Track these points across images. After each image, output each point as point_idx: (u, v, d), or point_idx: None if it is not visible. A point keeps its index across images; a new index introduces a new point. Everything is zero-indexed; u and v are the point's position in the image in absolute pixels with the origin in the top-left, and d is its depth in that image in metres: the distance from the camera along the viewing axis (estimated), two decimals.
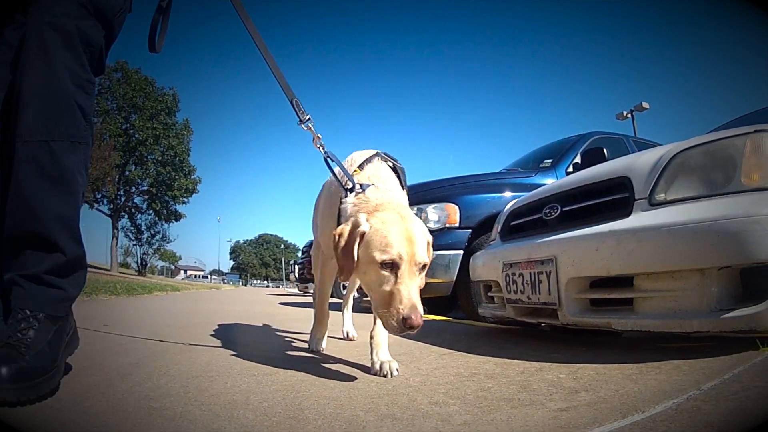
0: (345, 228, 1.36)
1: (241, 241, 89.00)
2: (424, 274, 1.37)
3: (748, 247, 1.39)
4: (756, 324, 1.40)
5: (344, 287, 2.61)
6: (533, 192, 2.44)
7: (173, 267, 75.53)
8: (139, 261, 28.52)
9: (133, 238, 27.79)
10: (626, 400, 1.08)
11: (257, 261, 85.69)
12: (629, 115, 18.54)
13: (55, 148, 1.14)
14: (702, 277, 1.47)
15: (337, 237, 1.35)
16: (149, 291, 7.54)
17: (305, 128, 1.61)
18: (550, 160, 5.31)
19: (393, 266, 1.26)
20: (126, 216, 26.81)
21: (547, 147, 6.00)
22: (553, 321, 1.86)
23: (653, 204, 1.64)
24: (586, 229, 1.77)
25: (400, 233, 1.30)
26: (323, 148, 1.62)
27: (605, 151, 4.03)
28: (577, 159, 4.83)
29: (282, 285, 59.21)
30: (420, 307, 1.24)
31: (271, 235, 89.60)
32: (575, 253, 1.72)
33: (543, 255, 1.86)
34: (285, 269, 66.06)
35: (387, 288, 1.26)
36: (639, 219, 1.62)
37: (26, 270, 1.14)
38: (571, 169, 4.78)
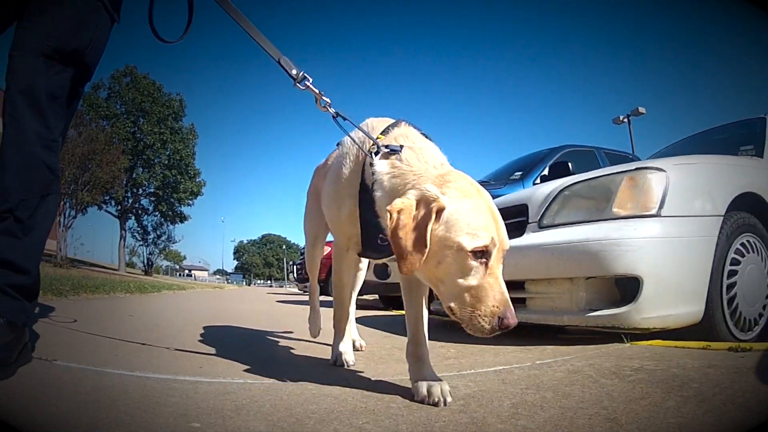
0: (408, 203, 1.09)
1: (245, 242, 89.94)
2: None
3: (605, 263, 1.93)
4: (617, 322, 1.91)
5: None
6: None
7: (178, 267, 76.47)
8: (146, 261, 29.34)
9: (139, 239, 28.68)
10: (477, 362, 1.63)
11: (261, 261, 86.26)
12: (626, 120, 19.09)
13: (29, 204, 1.34)
14: (571, 285, 2.02)
15: (396, 216, 1.07)
16: (158, 290, 8.16)
17: (302, 88, 1.39)
18: (520, 173, 5.64)
19: (484, 254, 1.05)
20: (133, 217, 27.71)
21: (522, 158, 6.30)
22: None
23: (541, 227, 2.19)
24: None
25: (487, 211, 1.09)
26: (330, 107, 1.39)
27: (570, 165, 4.55)
28: (545, 172, 5.20)
29: (285, 285, 59.91)
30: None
31: (275, 235, 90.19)
32: None
33: None
34: (287, 269, 66.82)
35: (474, 281, 1.04)
36: (529, 238, 2.17)
37: None
38: (538, 181, 5.17)
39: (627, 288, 1.93)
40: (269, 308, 5.21)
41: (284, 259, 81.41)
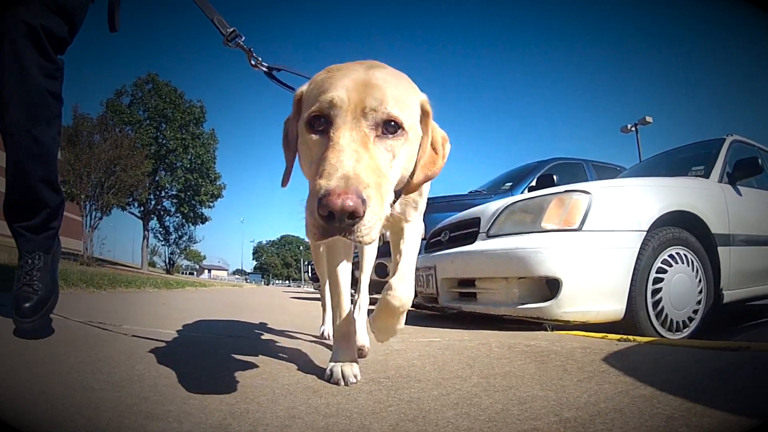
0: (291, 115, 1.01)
1: (264, 242, 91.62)
2: (403, 140, 0.88)
3: (532, 266, 2.43)
4: (542, 314, 2.42)
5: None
6: (446, 219, 3.52)
7: (198, 266, 78.17)
8: (167, 260, 30.63)
9: (161, 239, 30.03)
10: (421, 343, 2.16)
11: (279, 261, 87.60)
12: (633, 129, 18.96)
13: (35, 133, 1.46)
14: (507, 283, 2.53)
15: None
16: (182, 286, 8.90)
17: (233, 46, 1.35)
18: (510, 184, 6.08)
19: (325, 121, 0.85)
20: (155, 218, 29.02)
21: (513, 170, 6.70)
22: (436, 305, 2.96)
23: (488, 236, 2.71)
24: (454, 249, 2.86)
25: (348, 77, 0.88)
26: (262, 64, 1.33)
27: (555, 177, 5.00)
28: (533, 183, 5.64)
29: (302, 285, 60.83)
30: (366, 177, 0.76)
31: (293, 236, 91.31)
32: (442, 264, 2.82)
33: (429, 264, 2.96)
34: (304, 269, 67.80)
35: (314, 164, 0.84)
36: (478, 245, 2.69)
37: (25, 222, 1.57)
38: (527, 191, 5.51)
39: (551, 287, 2.43)
40: (281, 302, 5.80)
41: (302, 260, 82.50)
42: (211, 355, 1.61)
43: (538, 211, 2.63)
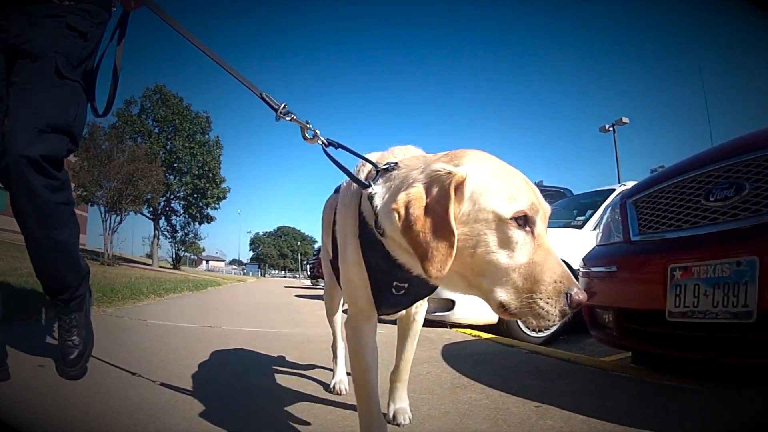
0: (415, 191, 0.88)
1: (261, 233, 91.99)
2: None
3: (439, 291, 4.38)
4: (445, 319, 4.39)
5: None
6: None
7: (196, 258, 79.34)
8: (174, 256, 32.69)
9: (169, 236, 32.22)
10: None
11: (276, 252, 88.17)
12: (611, 129, 20.33)
13: (53, 235, 1.66)
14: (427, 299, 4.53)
15: (403, 212, 0.86)
16: (205, 287, 10.86)
17: (289, 120, 1.23)
18: None
19: (527, 222, 0.85)
20: (163, 217, 31.22)
21: None
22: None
23: None
24: None
25: (516, 173, 0.91)
26: (319, 137, 1.18)
27: None
28: None
29: (298, 276, 61.68)
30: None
31: (289, 227, 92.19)
32: None
33: None
34: (301, 261, 69.11)
35: (524, 258, 0.84)
36: None
37: (56, 296, 1.80)
38: None
39: (450, 304, 4.43)
40: (289, 300, 7.67)
41: (299, 251, 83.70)
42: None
43: None
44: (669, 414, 1.59)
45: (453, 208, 0.85)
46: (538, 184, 9.80)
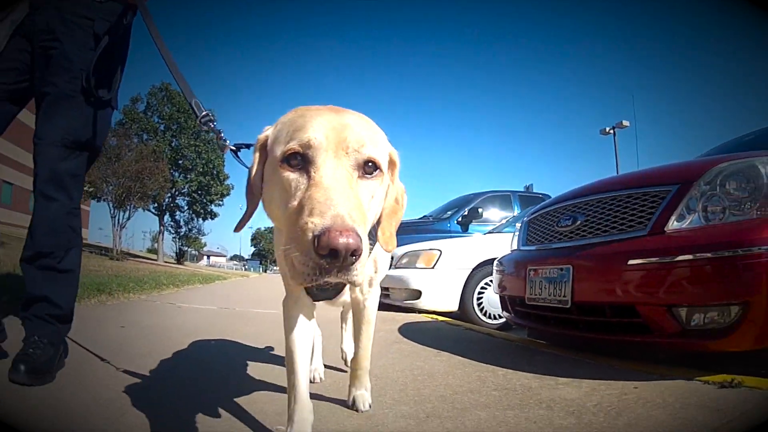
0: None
1: (262, 229, 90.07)
2: (379, 182, 0.90)
3: (409, 283, 5.38)
4: (414, 306, 5.30)
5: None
6: None
7: (197, 253, 79.91)
8: (178, 251, 33.79)
9: (173, 232, 33.34)
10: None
11: None
12: (612, 131, 20.70)
13: (57, 255, 1.71)
14: (400, 290, 5.49)
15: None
16: (212, 281, 11.80)
17: (205, 129, 1.41)
18: (450, 212, 7.58)
19: (302, 159, 0.82)
20: (168, 213, 32.19)
21: (456, 199, 8.21)
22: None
23: (395, 267, 5.67)
24: None
25: (323, 116, 0.87)
26: (228, 145, 1.32)
27: (480, 210, 7.33)
28: (465, 212, 7.37)
29: None
30: (356, 216, 0.74)
31: None
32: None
33: None
34: None
35: (295, 201, 0.79)
36: (391, 272, 5.66)
37: (36, 313, 1.70)
38: (460, 219, 7.37)
39: (418, 294, 5.39)
40: None
41: None
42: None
43: (416, 258, 5.57)
44: (533, 365, 2.21)
45: (255, 169, 0.94)
46: (527, 189, 10.40)
